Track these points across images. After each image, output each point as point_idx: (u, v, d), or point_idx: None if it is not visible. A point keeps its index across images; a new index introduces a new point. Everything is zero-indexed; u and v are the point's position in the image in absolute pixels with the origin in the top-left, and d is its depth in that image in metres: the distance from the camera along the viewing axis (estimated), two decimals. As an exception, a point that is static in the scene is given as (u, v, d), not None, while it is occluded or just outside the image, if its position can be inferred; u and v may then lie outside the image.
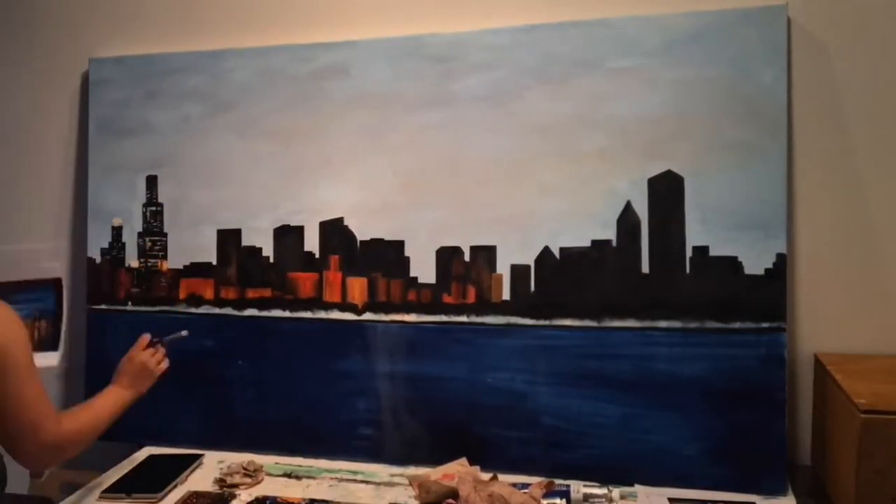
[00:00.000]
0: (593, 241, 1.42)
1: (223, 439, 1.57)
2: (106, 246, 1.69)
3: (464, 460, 1.40)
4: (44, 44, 1.79)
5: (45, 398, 1.12)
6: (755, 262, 1.34)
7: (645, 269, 1.39)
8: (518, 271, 1.46)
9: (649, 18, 1.40)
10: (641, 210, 1.40)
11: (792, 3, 1.35)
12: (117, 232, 1.69)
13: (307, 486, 1.39)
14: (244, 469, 1.39)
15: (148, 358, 1.37)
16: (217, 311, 1.61)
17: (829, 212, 1.38)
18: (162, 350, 1.40)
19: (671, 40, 1.38)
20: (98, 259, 1.68)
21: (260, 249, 1.60)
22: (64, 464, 1.75)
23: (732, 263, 1.35)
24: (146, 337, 1.39)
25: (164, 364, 1.40)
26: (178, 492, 1.35)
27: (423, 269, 1.50)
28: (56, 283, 1.38)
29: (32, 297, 1.34)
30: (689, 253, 1.37)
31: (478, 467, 1.38)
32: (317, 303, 1.56)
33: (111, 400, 1.29)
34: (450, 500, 1.22)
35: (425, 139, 1.50)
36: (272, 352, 1.57)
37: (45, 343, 1.32)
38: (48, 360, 1.31)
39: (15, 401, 1.07)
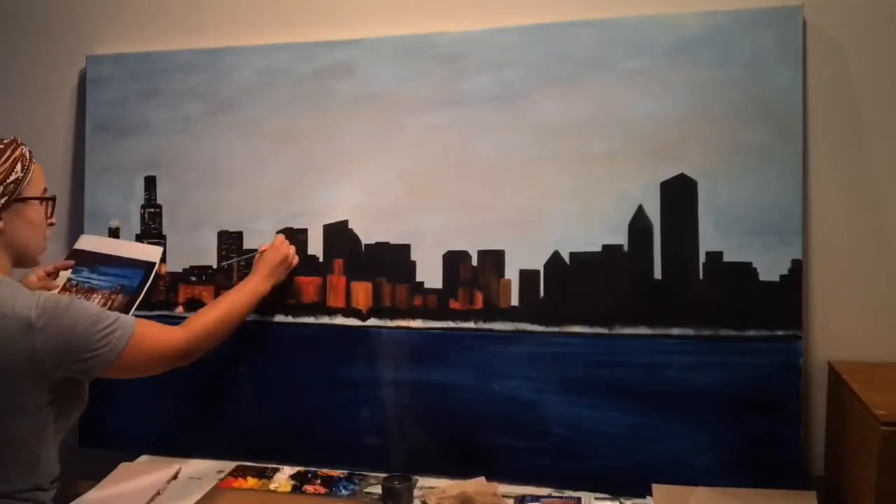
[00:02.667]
0: (604, 246, 1.39)
1: (224, 448, 1.54)
2: (103, 248, 1.65)
3: (482, 479, 1.36)
4: (40, 40, 1.76)
5: (151, 326, 1.22)
6: (770, 269, 1.31)
7: (657, 274, 1.36)
8: (527, 276, 1.42)
9: (662, 18, 1.37)
10: (654, 214, 1.37)
11: (808, 4, 1.32)
12: (115, 234, 1.65)
13: None
14: None
15: (289, 250, 1.49)
16: (217, 315, 1.57)
17: (845, 217, 1.35)
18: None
19: (684, 41, 1.36)
20: (95, 261, 1.65)
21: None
22: (59, 474, 1.72)
23: (747, 270, 1.32)
24: (281, 235, 1.51)
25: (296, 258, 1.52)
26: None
27: (430, 274, 1.47)
28: (149, 267, 1.42)
29: (122, 273, 1.40)
30: (702, 258, 1.35)
31: (496, 485, 1.34)
32: (320, 308, 1.52)
33: (247, 291, 1.40)
34: None
35: (432, 140, 1.47)
36: (274, 358, 1.54)
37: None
38: None
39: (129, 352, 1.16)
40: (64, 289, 1.39)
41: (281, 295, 1.51)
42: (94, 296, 1.38)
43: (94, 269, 1.41)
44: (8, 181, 1.15)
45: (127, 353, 1.16)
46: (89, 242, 1.47)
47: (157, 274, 1.45)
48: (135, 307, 1.38)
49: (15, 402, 1.12)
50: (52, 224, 1.25)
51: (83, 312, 1.14)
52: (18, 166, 1.17)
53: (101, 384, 1.30)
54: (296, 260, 1.51)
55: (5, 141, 1.19)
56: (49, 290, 1.38)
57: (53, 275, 1.41)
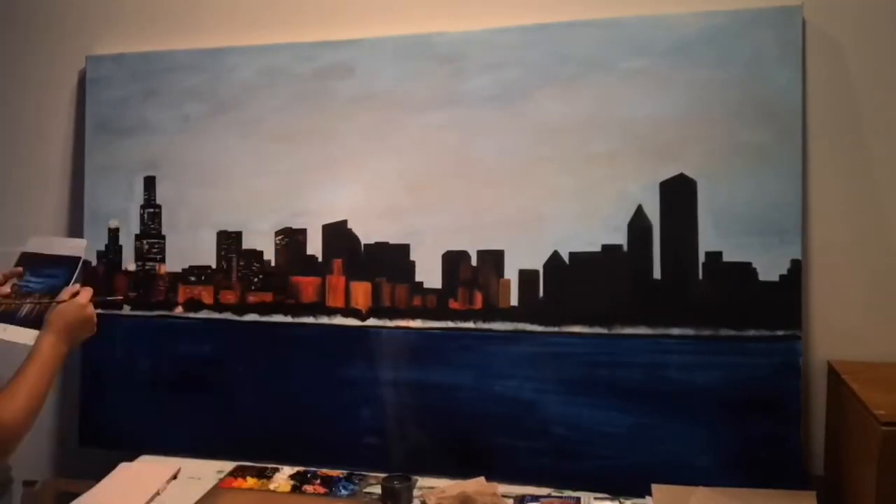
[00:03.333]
0: (604, 246, 1.39)
1: (223, 448, 1.54)
2: (102, 248, 1.65)
3: (482, 479, 1.35)
4: (40, 41, 1.75)
5: None
6: (770, 269, 1.31)
7: (657, 274, 1.36)
8: (526, 276, 1.42)
9: (662, 18, 1.37)
10: (653, 214, 1.37)
11: (807, 4, 1.32)
12: (114, 234, 1.65)
13: None
14: None
15: (93, 312, 1.21)
16: (217, 315, 1.57)
17: (845, 216, 1.35)
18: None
19: (684, 41, 1.36)
20: (94, 262, 1.64)
21: (261, 252, 1.56)
22: (59, 473, 1.72)
23: (746, 269, 1.32)
24: (90, 289, 1.24)
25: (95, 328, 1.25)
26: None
27: (429, 274, 1.47)
28: (73, 262, 1.32)
29: (52, 272, 1.33)
30: (701, 258, 1.35)
31: (496, 485, 1.34)
32: (320, 308, 1.52)
33: (50, 361, 1.14)
34: None
35: (432, 140, 1.47)
36: (273, 358, 1.54)
37: (33, 320, 1.25)
38: (26, 336, 1.28)
39: None
40: (7, 295, 1.29)
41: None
42: (27, 299, 1.28)
43: (34, 272, 1.33)
44: None
45: None
46: (33, 244, 1.38)
47: (81, 269, 1.33)
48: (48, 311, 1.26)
49: None
50: None
51: None
52: None
53: (102, 385, 1.30)
54: (94, 330, 1.23)
55: None
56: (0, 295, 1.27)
57: (3, 282, 1.29)
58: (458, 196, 1.46)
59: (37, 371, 1.12)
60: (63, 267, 1.33)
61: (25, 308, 1.29)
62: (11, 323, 1.20)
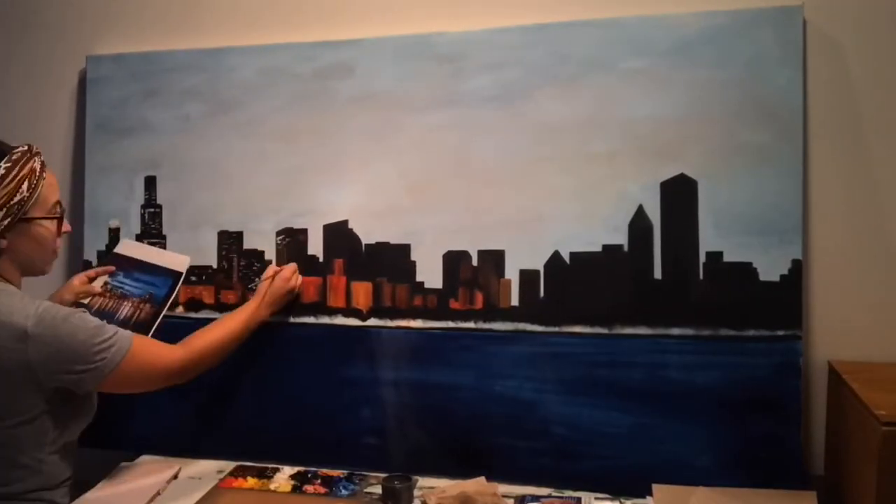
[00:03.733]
0: (604, 246, 1.39)
1: (223, 448, 1.54)
2: (103, 248, 1.65)
3: (482, 479, 1.35)
4: (39, 40, 1.76)
5: (150, 344, 1.27)
6: (770, 269, 1.31)
7: (657, 274, 1.36)
8: (527, 276, 1.42)
9: (662, 18, 1.37)
10: (654, 214, 1.37)
11: (808, 4, 1.32)
12: (115, 234, 1.65)
13: None
14: None
15: (297, 282, 1.49)
16: (218, 315, 1.57)
17: (846, 216, 1.35)
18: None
19: (684, 41, 1.36)
20: (95, 262, 1.64)
21: (262, 252, 1.56)
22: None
23: (747, 269, 1.32)
24: (294, 264, 1.50)
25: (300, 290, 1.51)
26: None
27: (430, 274, 1.47)
28: (176, 276, 1.46)
29: (152, 280, 1.45)
30: (702, 258, 1.35)
31: (496, 485, 1.33)
32: (320, 308, 1.52)
33: (248, 317, 1.42)
34: None
35: (432, 140, 1.47)
36: (274, 358, 1.54)
37: (139, 325, 1.40)
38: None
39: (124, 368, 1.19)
40: (101, 293, 1.43)
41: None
42: (125, 302, 1.42)
43: (128, 275, 1.46)
44: (12, 203, 1.15)
45: (122, 368, 1.18)
46: (128, 248, 1.51)
47: (181, 284, 1.48)
48: (161, 317, 1.41)
49: (12, 407, 1.14)
50: (65, 232, 1.27)
51: (81, 325, 1.15)
52: (25, 185, 1.16)
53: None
54: (299, 288, 1.50)
55: (16, 155, 1.18)
56: (90, 293, 1.44)
57: (94, 279, 1.45)
58: (458, 196, 1.46)
59: (233, 324, 1.39)
60: (161, 277, 1.45)
61: (125, 310, 1.41)
62: (111, 322, 1.26)
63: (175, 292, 1.45)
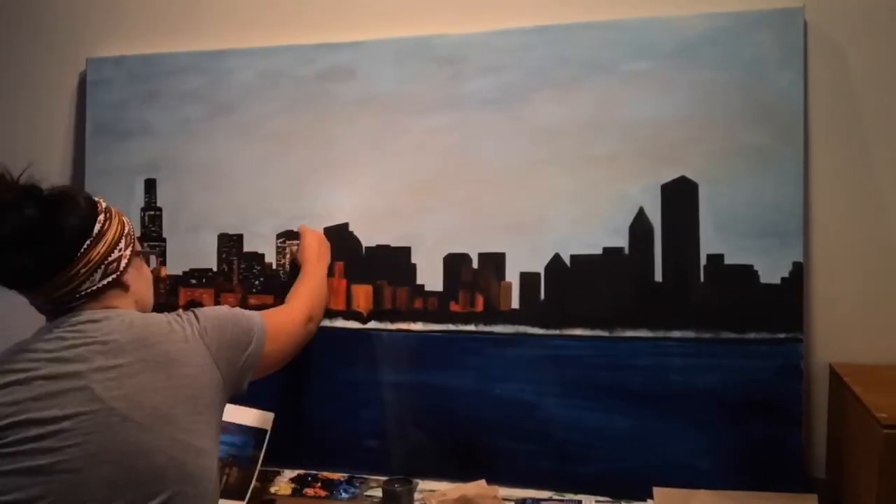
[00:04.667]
0: (605, 249, 1.39)
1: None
2: (103, 251, 1.65)
3: (482, 482, 1.35)
4: (40, 43, 1.75)
5: (268, 312, 1.24)
6: (771, 271, 1.31)
7: (658, 277, 1.36)
8: (527, 279, 1.42)
9: (663, 20, 1.37)
10: (654, 217, 1.37)
11: (809, 6, 1.32)
12: (115, 236, 1.65)
13: None
14: None
15: (318, 232, 1.51)
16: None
17: (847, 219, 1.35)
18: None
19: (685, 43, 1.35)
20: (95, 264, 1.64)
21: (262, 255, 1.56)
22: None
23: (748, 272, 1.32)
24: (303, 225, 1.51)
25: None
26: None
27: (430, 277, 1.47)
28: (259, 435, 1.34)
29: (230, 440, 1.31)
30: (703, 261, 1.34)
31: (497, 488, 1.33)
32: (321, 310, 1.52)
33: (317, 272, 1.44)
34: None
35: (432, 143, 1.47)
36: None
37: (231, 492, 1.27)
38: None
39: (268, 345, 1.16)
40: None
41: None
42: None
43: None
44: (126, 232, 1.08)
45: (268, 343, 1.15)
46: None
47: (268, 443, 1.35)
48: (254, 479, 1.30)
49: (208, 434, 1.01)
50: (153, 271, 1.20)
51: (219, 312, 1.11)
52: (125, 219, 1.11)
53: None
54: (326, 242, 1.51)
55: (101, 202, 1.09)
56: None
57: None
58: (458, 199, 1.46)
59: (307, 279, 1.41)
60: (240, 436, 1.33)
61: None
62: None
63: (262, 454, 1.33)
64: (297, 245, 1.50)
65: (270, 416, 1.38)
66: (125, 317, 1.01)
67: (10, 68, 1.78)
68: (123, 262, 1.05)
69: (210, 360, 1.03)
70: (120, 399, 0.93)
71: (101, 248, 1.02)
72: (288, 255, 1.54)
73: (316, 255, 1.45)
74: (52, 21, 1.75)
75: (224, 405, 1.07)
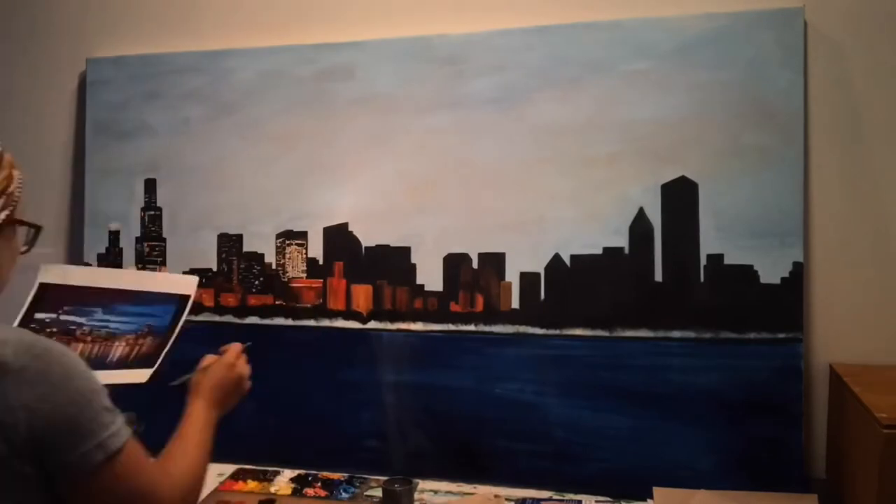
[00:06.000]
0: (605, 249, 1.39)
1: (224, 451, 1.53)
2: (103, 251, 1.65)
3: (489, 493, 1.35)
4: (40, 43, 1.75)
5: (143, 455, 0.83)
6: (771, 271, 1.31)
7: (658, 277, 1.36)
8: (527, 279, 1.42)
9: (663, 20, 1.37)
10: (654, 217, 1.37)
11: (808, 6, 1.32)
12: (115, 237, 1.65)
13: None
14: None
15: (245, 369, 1.08)
16: (217, 318, 1.57)
17: (846, 219, 1.35)
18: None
19: (685, 43, 1.35)
20: (95, 264, 1.64)
21: (262, 255, 1.56)
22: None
23: (748, 272, 1.32)
24: (238, 345, 1.11)
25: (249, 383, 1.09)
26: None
27: (430, 277, 1.47)
28: (180, 301, 1.15)
29: (144, 311, 1.14)
30: (703, 261, 1.34)
31: (502, 498, 1.33)
32: (321, 310, 1.52)
33: (205, 430, 0.97)
34: None
35: (432, 143, 1.47)
36: (274, 361, 1.53)
37: (142, 360, 1.13)
38: (137, 376, 1.13)
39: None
40: (80, 338, 1.08)
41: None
42: (115, 343, 1.11)
43: (109, 310, 1.11)
44: (9, 191, 0.85)
45: (115, 465, 0.75)
46: (87, 276, 1.15)
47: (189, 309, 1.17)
48: (167, 348, 1.15)
49: None
50: (23, 252, 0.88)
51: (78, 368, 0.75)
52: (16, 173, 0.88)
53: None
54: (248, 385, 1.08)
55: None
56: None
57: None
58: (459, 198, 1.46)
59: (192, 443, 0.94)
60: (160, 305, 1.15)
61: (118, 351, 1.12)
62: (103, 369, 1.02)
63: (183, 319, 1.17)
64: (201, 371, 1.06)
65: (194, 279, 1.19)
66: None
67: (10, 68, 1.77)
68: None
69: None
70: None
71: None
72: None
73: (219, 395, 1.02)
74: (52, 21, 1.75)
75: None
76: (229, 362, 1.06)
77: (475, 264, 1.45)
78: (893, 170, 1.33)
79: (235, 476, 1.47)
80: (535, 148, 1.42)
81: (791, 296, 1.30)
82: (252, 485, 1.44)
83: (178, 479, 0.88)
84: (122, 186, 1.64)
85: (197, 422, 0.97)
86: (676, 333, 1.34)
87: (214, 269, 1.59)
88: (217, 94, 1.59)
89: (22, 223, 0.87)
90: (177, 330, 1.16)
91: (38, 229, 0.89)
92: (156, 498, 0.81)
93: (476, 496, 1.33)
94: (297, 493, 1.40)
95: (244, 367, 1.08)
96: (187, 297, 1.18)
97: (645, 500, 1.30)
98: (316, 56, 1.53)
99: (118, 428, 0.77)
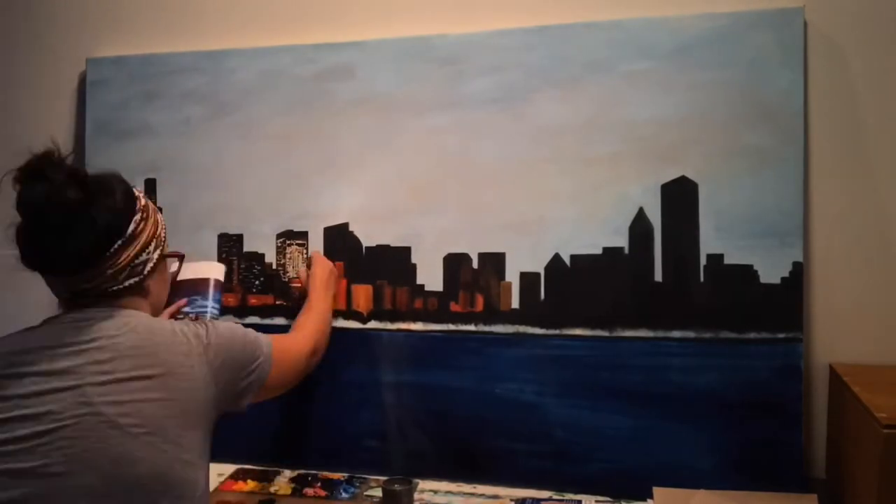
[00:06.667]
0: (605, 249, 1.39)
1: (222, 451, 1.53)
2: (103, 251, 1.65)
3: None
4: (40, 43, 1.75)
5: (280, 342, 1.18)
6: (771, 271, 1.31)
7: (658, 277, 1.36)
8: (528, 279, 1.42)
9: (663, 20, 1.37)
10: (654, 217, 1.37)
11: (808, 6, 1.32)
12: (115, 236, 1.65)
13: None
14: None
15: (330, 262, 1.48)
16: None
17: (847, 219, 1.35)
18: None
19: (685, 43, 1.35)
20: (95, 264, 1.64)
21: (263, 255, 1.56)
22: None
23: (748, 272, 1.32)
24: (317, 252, 1.50)
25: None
26: None
27: (430, 277, 1.47)
28: (217, 286, 1.38)
29: (205, 297, 1.36)
30: (703, 261, 1.34)
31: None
32: (320, 310, 1.52)
33: (325, 303, 1.41)
34: None
35: (432, 143, 1.47)
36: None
37: None
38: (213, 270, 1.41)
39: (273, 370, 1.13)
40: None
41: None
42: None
43: (204, 296, 1.37)
44: (158, 234, 1.04)
45: (273, 370, 1.12)
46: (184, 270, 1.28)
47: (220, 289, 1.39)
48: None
49: (195, 449, 0.96)
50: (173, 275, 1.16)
51: (230, 331, 1.06)
52: (160, 217, 1.07)
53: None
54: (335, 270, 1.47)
55: (141, 198, 1.05)
56: None
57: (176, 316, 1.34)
58: (459, 198, 1.46)
59: (314, 308, 1.37)
60: (206, 292, 1.37)
61: None
62: None
63: (215, 299, 1.39)
64: (307, 270, 1.46)
65: (220, 267, 1.43)
66: (132, 319, 0.97)
67: (10, 68, 1.78)
68: (150, 266, 1.02)
69: (210, 376, 0.99)
70: (110, 405, 0.90)
71: (131, 251, 0.99)
72: (296, 278, 1.52)
73: (324, 286, 1.42)
74: (52, 21, 1.75)
75: (215, 421, 1.02)
76: (319, 261, 1.46)
77: (475, 264, 1.45)
78: (894, 170, 1.33)
79: (235, 476, 1.47)
80: (535, 148, 1.42)
81: (791, 296, 1.30)
82: (252, 485, 1.44)
83: (305, 337, 1.30)
84: (123, 186, 1.64)
85: (310, 303, 1.39)
86: (676, 333, 1.34)
87: (215, 268, 1.59)
88: (217, 94, 1.59)
89: (169, 255, 1.10)
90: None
91: (181, 257, 1.16)
92: (297, 355, 1.25)
93: None
94: (297, 493, 1.41)
95: (328, 261, 1.48)
96: (217, 280, 1.40)
97: (645, 500, 1.30)
98: (316, 56, 1.53)
99: (264, 353, 1.12)
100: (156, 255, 1.03)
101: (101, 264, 0.97)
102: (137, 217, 1.00)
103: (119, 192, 1.00)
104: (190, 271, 1.33)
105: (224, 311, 1.57)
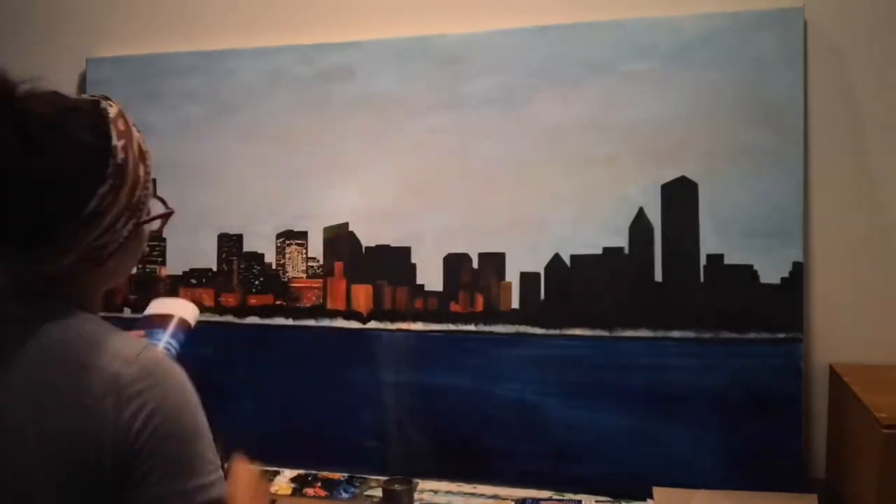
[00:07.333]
0: (605, 249, 1.39)
1: (224, 452, 1.53)
2: (103, 251, 1.65)
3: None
4: (40, 43, 1.75)
5: None
6: (771, 271, 1.31)
7: (658, 277, 1.36)
8: (527, 279, 1.42)
9: (663, 20, 1.37)
10: (654, 217, 1.37)
11: (808, 6, 1.32)
12: (115, 236, 1.65)
13: None
14: None
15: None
16: (217, 318, 1.57)
17: (846, 219, 1.35)
18: None
19: (685, 43, 1.35)
20: (95, 264, 1.64)
21: (262, 255, 1.56)
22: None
23: (748, 272, 1.32)
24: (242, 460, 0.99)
25: None
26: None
27: (430, 277, 1.47)
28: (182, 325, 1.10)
29: (170, 334, 1.10)
30: (703, 261, 1.34)
31: None
32: (320, 310, 1.52)
33: None
34: None
35: (432, 143, 1.47)
36: (274, 361, 1.54)
37: None
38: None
39: None
40: None
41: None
42: None
43: (155, 334, 1.09)
44: (133, 201, 0.75)
45: None
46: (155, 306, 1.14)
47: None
48: None
49: None
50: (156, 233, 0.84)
51: (195, 405, 0.72)
52: (142, 170, 0.77)
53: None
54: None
55: (111, 111, 0.75)
56: None
57: None
58: (459, 198, 1.46)
59: None
60: (164, 325, 1.10)
61: None
62: None
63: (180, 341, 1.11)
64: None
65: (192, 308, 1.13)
66: (67, 327, 0.70)
67: (11, 68, 1.77)
68: (114, 247, 0.73)
69: (125, 444, 0.65)
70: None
71: (89, 233, 0.71)
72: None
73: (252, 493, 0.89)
74: (52, 21, 1.74)
75: None
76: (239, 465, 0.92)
77: (475, 264, 1.45)
78: (893, 170, 1.33)
79: (235, 476, 1.47)
80: (535, 148, 1.42)
81: (791, 296, 1.30)
82: (252, 485, 1.43)
83: None
84: (123, 186, 1.64)
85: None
86: (676, 333, 1.34)
87: (215, 268, 1.59)
88: (217, 94, 1.59)
89: (148, 221, 0.80)
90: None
91: (167, 217, 0.84)
92: None
93: None
94: (297, 493, 1.41)
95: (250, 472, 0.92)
96: (185, 321, 1.12)
97: (645, 500, 1.30)
98: (316, 56, 1.53)
99: (220, 478, 0.72)
100: (126, 231, 0.73)
101: (39, 248, 0.68)
102: (105, 189, 0.70)
103: (84, 141, 0.69)
104: (160, 307, 1.15)
105: (223, 310, 1.57)
